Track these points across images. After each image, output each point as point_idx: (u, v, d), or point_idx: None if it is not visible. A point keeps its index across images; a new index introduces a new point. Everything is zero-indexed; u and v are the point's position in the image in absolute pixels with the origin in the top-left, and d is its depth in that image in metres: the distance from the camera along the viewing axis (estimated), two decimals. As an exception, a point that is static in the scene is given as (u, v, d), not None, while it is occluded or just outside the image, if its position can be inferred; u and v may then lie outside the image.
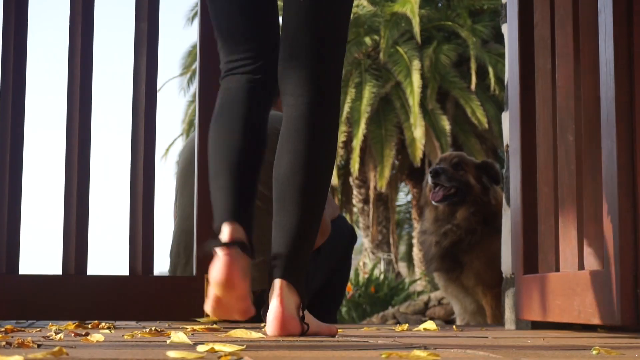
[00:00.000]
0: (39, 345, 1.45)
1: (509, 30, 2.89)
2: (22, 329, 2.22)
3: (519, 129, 2.74)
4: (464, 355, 1.36)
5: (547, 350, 1.51)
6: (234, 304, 1.90)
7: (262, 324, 2.87)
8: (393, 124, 14.01)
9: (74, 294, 2.67)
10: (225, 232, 1.93)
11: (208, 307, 1.93)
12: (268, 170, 3.45)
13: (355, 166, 13.64)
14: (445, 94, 14.13)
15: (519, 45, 2.77)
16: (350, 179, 15.25)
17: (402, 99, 13.74)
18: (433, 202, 3.92)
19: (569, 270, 2.36)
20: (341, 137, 13.68)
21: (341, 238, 3.73)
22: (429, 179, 3.95)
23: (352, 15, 13.55)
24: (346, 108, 13.57)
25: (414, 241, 15.77)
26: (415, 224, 15.57)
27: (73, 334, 1.88)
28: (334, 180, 14.33)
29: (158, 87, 2.88)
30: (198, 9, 2.83)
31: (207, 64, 2.78)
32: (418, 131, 13.27)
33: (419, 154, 13.31)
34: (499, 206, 3.76)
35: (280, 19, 2.13)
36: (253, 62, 2.10)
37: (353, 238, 3.85)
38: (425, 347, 1.51)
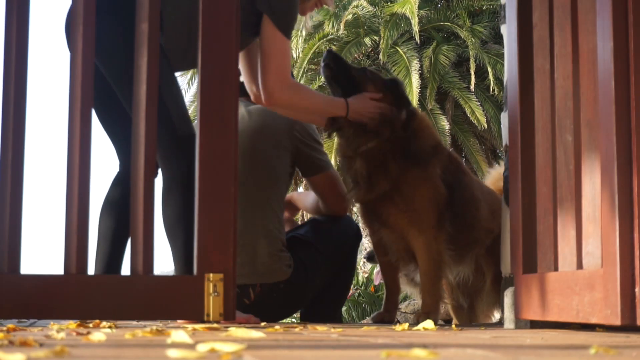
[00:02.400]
0: (41, 345, 1.46)
1: (508, 30, 2.90)
2: (24, 328, 2.23)
3: (518, 128, 2.75)
4: (463, 354, 1.36)
5: (546, 350, 1.52)
6: None
7: (262, 324, 2.88)
8: (392, 124, 13.98)
9: (75, 294, 2.67)
10: None
11: None
12: (263, 162, 3.43)
13: (355, 166, 13.61)
14: (445, 94, 14.13)
15: (518, 46, 2.78)
16: (350, 179, 15.22)
17: (401, 99, 13.72)
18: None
19: (568, 270, 2.37)
20: (341, 137, 13.67)
21: (346, 238, 3.74)
22: None
23: (352, 16, 13.48)
24: (346, 108, 13.55)
25: (414, 241, 15.74)
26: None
27: (74, 333, 1.88)
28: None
29: (158, 88, 2.88)
30: (199, 9, 2.84)
31: (207, 64, 2.79)
32: (417, 131, 13.25)
33: (418, 153, 13.29)
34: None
35: None
36: None
37: (358, 237, 3.84)
38: (424, 346, 1.52)
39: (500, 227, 3.06)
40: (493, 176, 3.85)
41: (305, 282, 3.52)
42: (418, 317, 3.23)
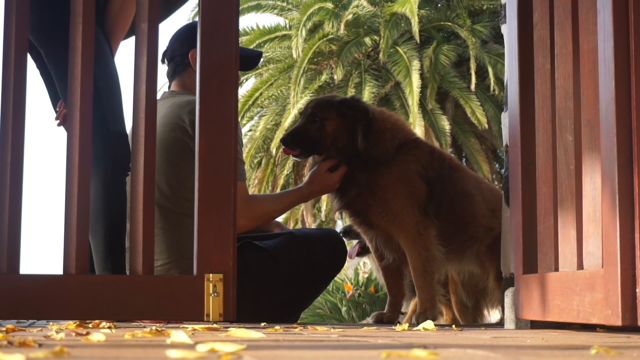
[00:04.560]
0: (40, 345, 1.45)
1: (508, 30, 2.89)
2: (23, 328, 2.23)
3: (518, 128, 2.75)
4: (463, 355, 1.36)
5: (547, 350, 1.51)
6: None
7: (262, 324, 2.88)
8: (393, 124, 13.97)
9: (74, 294, 2.67)
10: None
11: None
12: (174, 169, 3.24)
13: (355, 166, 13.59)
14: (445, 94, 14.14)
15: (519, 46, 2.78)
16: (350, 179, 15.20)
17: (401, 99, 13.75)
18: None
19: (568, 270, 2.36)
20: (341, 137, 13.66)
21: (313, 255, 3.55)
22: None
23: (352, 16, 13.46)
24: (346, 108, 13.55)
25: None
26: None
27: (74, 334, 1.88)
28: (334, 180, 14.29)
29: (158, 87, 2.88)
30: (199, 8, 2.84)
31: (207, 64, 2.79)
32: (418, 131, 13.27)
33: (418, 153, 13.28)
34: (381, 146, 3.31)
35: None
36: None
37: (334, 261, 3.63)
38: (424, 347, 1.52)
39: (501, 226, 3.06)
40: None
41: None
42: (417, 317, 3.22)
